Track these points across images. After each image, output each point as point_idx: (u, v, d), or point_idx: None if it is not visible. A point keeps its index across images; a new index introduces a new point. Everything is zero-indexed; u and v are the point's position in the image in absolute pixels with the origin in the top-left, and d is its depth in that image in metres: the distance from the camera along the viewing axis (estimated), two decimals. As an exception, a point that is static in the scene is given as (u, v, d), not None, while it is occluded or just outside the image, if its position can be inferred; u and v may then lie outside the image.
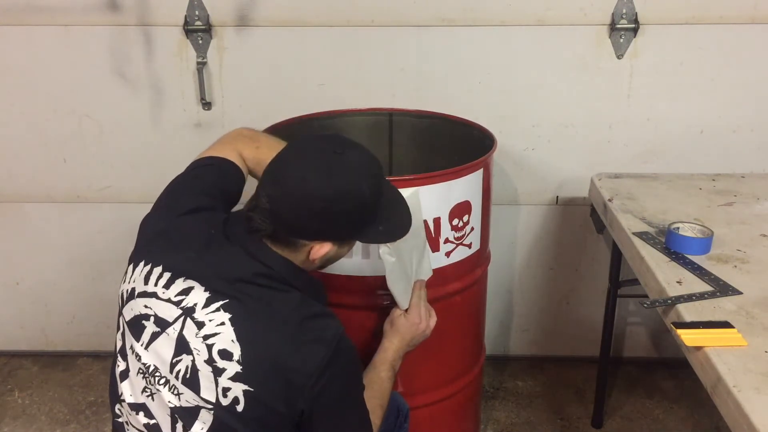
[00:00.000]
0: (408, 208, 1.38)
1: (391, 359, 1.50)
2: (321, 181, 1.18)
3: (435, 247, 1.70)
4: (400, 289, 1.56)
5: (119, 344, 1.29)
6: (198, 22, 2.17)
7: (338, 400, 1.21)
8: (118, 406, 1.30)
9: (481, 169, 1.75)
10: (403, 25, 2.17)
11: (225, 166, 1.43)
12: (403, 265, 1.57)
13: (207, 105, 2.27)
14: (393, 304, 1.58)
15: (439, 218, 1.68)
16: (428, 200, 1.65)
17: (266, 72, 2.23)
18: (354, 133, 2.15)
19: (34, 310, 2.61)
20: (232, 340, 1.15)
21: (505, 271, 2.49)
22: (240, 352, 1.15)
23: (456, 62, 2.21)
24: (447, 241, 1.72)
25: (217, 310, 1.17)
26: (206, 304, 1.17)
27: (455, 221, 1.71)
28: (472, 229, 1.78)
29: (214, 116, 2.28)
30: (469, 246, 1.79)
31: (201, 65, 2.20)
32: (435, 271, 1.72)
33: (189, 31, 2.18)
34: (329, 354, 1.17)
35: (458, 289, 1.80)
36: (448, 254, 1.73)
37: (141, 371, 1.22)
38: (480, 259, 1.88)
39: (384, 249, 1.50)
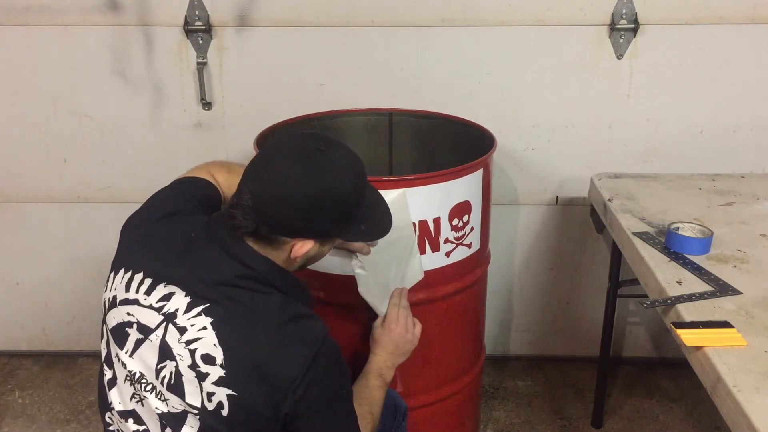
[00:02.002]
0: (388, 209, 1.37)
1: (377, 369, 1.49)
2: (304, 177, 1.17)
3: (435, 247, 1.70)
4: (375, 299, 1.58)
5: (104, 353, 1.29)
6: (198, 22, 2.17)
7: (322, 402, 1.20)
8: (108, 414, 1.29)
9: (481, 169, 1.75)
10: (403, 25, 2.17)
11: (203, 182, 1.44)
12: (377, 276, 1.58)
13: (207, 105, 2.27)
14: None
15: (439, 218, 1.68)
16: (428, 200, 1.65)
17: (266, 72, 2.23)
18: (354, 133, 2.16)
19: (34, 310, 2.61)
20: (215, 345, 1.15)
21: (505, 271, 2.49)
22: (222, 356, 1.14)
23: (456, 62, 2.21)
24: (447, 241, 1.72)
25: (199, 314, 1.16)
26: (187, 309, 1.17)
27: (455, 221, 1.71)
28: (472, 229, 1.78)
29: (214, 116, 2.29)
30: (469, 246, 1.79)
31: (201, 65, 2.20)
32: (435, 271, 1.73)
33: (189, 31, 2.18)
34: (311, 356, 1.16)
35: (458, 289, 1.80)
36: (448, 254, 1.73)
37: (128, 378, 1.22)
38: (480, 259, 1.88)
39: (356, 262, 1.54)
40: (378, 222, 1.34)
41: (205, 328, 1.15)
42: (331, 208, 1.21)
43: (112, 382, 1.27)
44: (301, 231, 1.21)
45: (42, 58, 2.24)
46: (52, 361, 2.64)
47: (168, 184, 1.43)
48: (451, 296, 1.80)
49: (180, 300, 1.18)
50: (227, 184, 1.48)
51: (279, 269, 1.24)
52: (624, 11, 2.13)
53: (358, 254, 1.53)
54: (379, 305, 1.59)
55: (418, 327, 1.57)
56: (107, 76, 2.25)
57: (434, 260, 1.72)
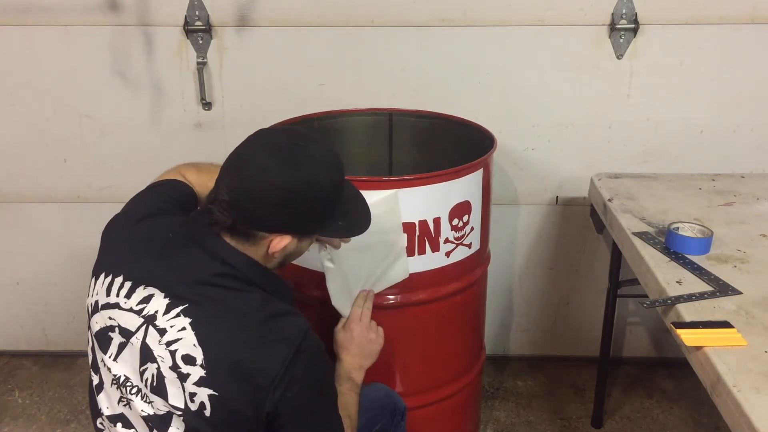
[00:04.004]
0: (368, 206, 1.37)
1: (345, 373, 1.47)
2: (281, 171, 1.17)
3: (435, 247, 1.70)
4: (340, 299, 1.56)
5: (91, 358, 1.29)
6: (198, 23, 2.17)
7: (304, 400, 1.18)
8: (99, 420, 1.29)
9: (481, 169, 1.75)
10: (403, 25, 2.17)
11: (178, 184, 1.44)
12: (345, 275, 1.57)
13: (207, 105, 2.27)
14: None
15: (439, 218, 1.68)
16: (428, 200, 1.65)
17: (266, 72, 2.24)
18: (354, 133, 2.16)
19: (34, 310, 2.61)
20: (194, 345, 1.14)
21: (505, 271, 2.49)
22: (202, 356, 1.14)
23: (456, 62, 2.21)
24: (447, 241, 1.72)
25: (178, 315, 1.16)
26: (167, 311, 1.17)
27: (455, 221, 1.71)
28: (472, 229, 1.78)
29: (214, 116, 2.29)
30: (469, 246, 1.79)
31: (201, 65, 2.20)
32: (435, 271, 1.73)
33: (189, 31, 2.18)
34: (291, 353, 1.15)
35: (458, 289, 1.80)
36: (448, 254, 1.73)
37: (114, 382, 1.22)
38: (480, 259, 1.88)
39: (324, 254, 1.51)
40: (357, 218, 1.34)
41: (184, 328, 1.15)
42: (308, 203, 1.20)
43: (100, 387, 1.27)
44: (278, 226, 1.21)
45: (42, 58, 2.24)
46: (52, 361, 2.64)
47: (144, 188, 1.43)
48: (451, 296, 1.80)
49: (159, 302, 1.18)
50: (198, 182, 1.48)
51: (258, 266, 1.23)
52: (624, 11, 2.13)
53: (327, 246, 1.48)
54: (343, 307, 1.58)
55: (381, 329, 1.56)
56: (107, 76, 2.25)
57: (434, 260, 1.72)
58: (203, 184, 1.46)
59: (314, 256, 1.61)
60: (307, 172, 1.18)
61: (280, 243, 1.21)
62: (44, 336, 2.65)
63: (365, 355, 1.52)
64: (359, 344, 1.51)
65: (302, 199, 1.19)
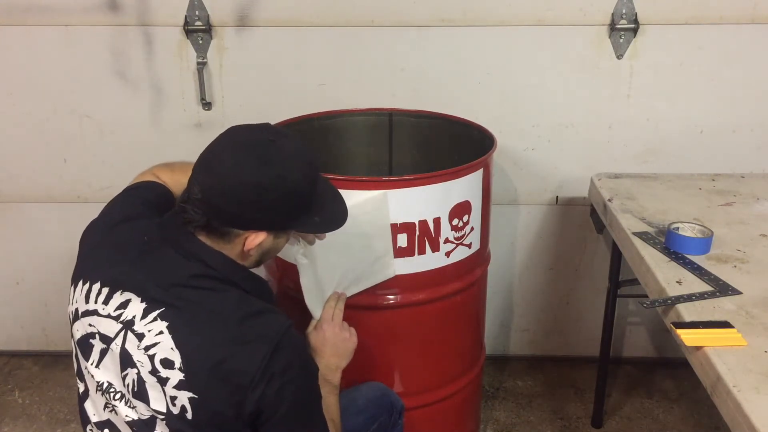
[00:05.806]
0: (344, 201, 1.36)
1: (321, 377, 1.40)
2: (253, 168, 1.16)
3: (435, 247, 1.70)
4: (312, 297, 1.54)
5: (75, 366, 1.28)
6: (198, 23, 2.17)
7: (285, 397, 1.16)
8: (89, 426, 1.29)
9: (481, 169, 1.75)
10: (403, 25, 2.17)
11: (153, 185, 1.44)
12: (318, 274, 1.55)
13: (207, 105, 2.27)
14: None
15: (438, 218, 1.68)
16: (428, 200, 1.66)
17: (266, 72, 2.23)
18: (354, 133, 2.16)
19: (34, 310, 2.61)
20: (172, 348, 1.13)
21: (505, 271, 2.49)
22: (180, 360, 1.13)
23: (456, 62, 2.21)
24: (447, 241, 1.72)
25: (155, 319, 1.15)
26: (144, 315, 1.16)
27: (455, 221, 1.71)
28: (472, 229, 1.78)
29: (214, 116, 2.29)
30: (469, 246, 1.79)
31: (201, 65, 2.20)
32: (435, 271, 1.73)
33: (189, 31, 2.18)
34: (269, 351, 1.13)
35: (458, 289, 1.80)
36: (448, 254, 1.73)
37: (98, 389, 1.22)
38: (480, 259, 1.88)
39: (297, 248, 1.48)
40: (333, 214, 1.33)
41: (161, 332, 1.14)
42: (281, 199, 1.19)
43: (86, 394, 1.27)
44: (253, 223, 1.20)
45: (42, 58, 2.24)
46: (52, 361, 2.64)
47: (120, 192, 1.43)
48: (451, 296, 1.80)
49: (136, 306, 1.17)
50: (172, 182, 1.48)
51: (235, 264, 1.22)
52: (624, 11, 2.13)
53: (301, 240, 1.44)
54: (314, 307, 1.55)
55: (354, 329, 1.53)
56: (107, 76, 2.25)
57: (434, 260, 1.72)
58: (178, 181, 1.45)
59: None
60: (280, 168, 1.18)
61: (255, 240, 1.20)
62: (44, 336, 2.65)
63: (340, 355, 1.48)
64: (333, 344, 1.48)
65: (275, 194, 1.18)
